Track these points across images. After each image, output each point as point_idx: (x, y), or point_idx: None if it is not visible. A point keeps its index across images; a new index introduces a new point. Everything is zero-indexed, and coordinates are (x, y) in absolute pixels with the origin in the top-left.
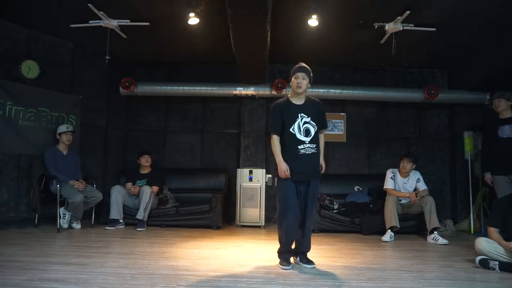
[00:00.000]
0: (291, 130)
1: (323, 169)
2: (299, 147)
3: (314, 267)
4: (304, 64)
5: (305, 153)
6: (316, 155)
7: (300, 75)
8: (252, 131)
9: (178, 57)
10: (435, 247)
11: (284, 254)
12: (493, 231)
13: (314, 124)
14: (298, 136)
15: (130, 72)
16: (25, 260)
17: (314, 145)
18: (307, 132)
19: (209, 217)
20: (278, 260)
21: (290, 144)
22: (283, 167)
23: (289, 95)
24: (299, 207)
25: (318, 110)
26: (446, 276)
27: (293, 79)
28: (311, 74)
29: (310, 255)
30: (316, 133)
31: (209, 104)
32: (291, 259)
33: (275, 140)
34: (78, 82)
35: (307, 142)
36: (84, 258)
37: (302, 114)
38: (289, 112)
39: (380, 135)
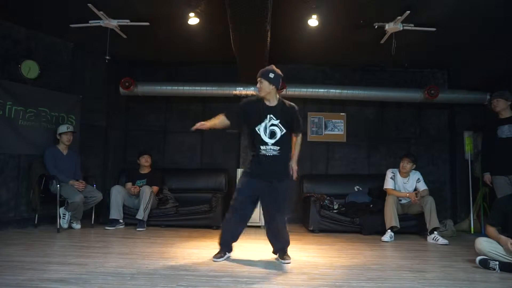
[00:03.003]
0: (256, 129)
1: (294, 172)
2: (261, 147)
3: (288, 262)
4: (268, 67)
5: (266, 154)
6: (277, 157)
7: (259, 79)
8: None
9: (178, 57)
10: (435, 247)
11: (220, 245)
12: (491, 229)
13: (281, 127)
14: (263, 136)
15: (130, 72)
16: (25, 260)
17: (278, 148)
18: (272, 134)
19: (209, 217)
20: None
21: (253, 143)
22: (200, 124)
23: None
24: (265, 209)
25: (289, 114)
26: (446, 276)
27: (258, 84)
28: (272, 75)
29: (310, 255)
30: (283, 137)
31: (209, 104)
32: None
33: (219, 116)
34: (78, 82)
35: (269, 144)
36: (84, 258)
37: (271, 116)
38: (258, 111)
39: (380, 135)
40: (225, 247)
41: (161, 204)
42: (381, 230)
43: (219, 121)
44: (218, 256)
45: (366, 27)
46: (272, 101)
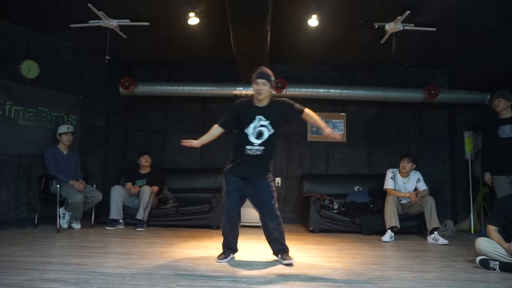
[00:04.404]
0: (245, 130)
1: (336, 135)
2: (247, 147)
3: (290, 263)
4: (265, 69)
5: (251, 154)
6: (260, 156)
7: (261, 81)
8: None
9: (178, 57)
10: (435, 247)
11: (224, 248)
12: (492, 229)
13: (270, 128)
14: (250, 137)
15: (130, 72)
16: (24, 260)
17: (263, 148)
18: (259, 135)
19: (209, 217)
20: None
21: (240, 143)
22: (189, 141)
23: (254, 98)
24: (257, 209)
25: (280, 110)
26: (446, 276)
27: (253, 85)
28: (273, 78)
29: (310, 255)
30: (270, 137)
31: (209, 104)
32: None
33: (213, 128)
34: (78, 82)
35: (255, 144)
36: (84, 258)
37: (260, 117)
38: (248, 113)
39: (380, 135)
40: (229, 249)
41: (161, 204)
42: (381, 230)
43: (210, 133)
44: (222, 257)
45: (366, 27)
46: (264, 102)
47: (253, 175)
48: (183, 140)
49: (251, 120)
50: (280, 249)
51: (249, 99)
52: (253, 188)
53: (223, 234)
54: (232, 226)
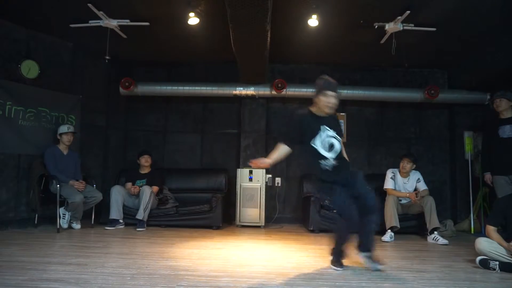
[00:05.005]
0: (312, 144)
1: None
2: (322, 161)
3: (379, 269)
4: (333, 80)
5: (328, 169)
6: (340, 166)
7: (331, 94)
8: (252, 131)
9: (178, 57)
10: (435, 247)
11: (336, 256)
12: (491, 229)
13: (337, 136)
14: (320, 150)
15: (130, 72)
16: (25, 260)
17: (338, 159)
18: (331, 147)
19: (209, 217)
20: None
21: (313, 158)
22: (259, 161)
23: (311, 109)
24: (357, 201)
25: (337, 122)
26: (446, 276)
27: (322, 97)
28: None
29: (310, 255)
30: (341, 146)
31: (209, 104)
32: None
33: (279, 147)
34: (78, 82)
35: (329, 158)
36: (84, 258)
37: (324, 126)
38: (313, 125)
39: (380, 135)
40: (339, 256)
41: (161, 204)
42: (381, 230)
43: (279, 151)
44: (338, 265)
45: (366, 27)
46: (323, 113)
47: (344, 178)
48: (252, 160)
49: (316, 131)
50: (373, 245)
51: (308, 111)
52: (349, 186)
53: (339, 244)
54: (348, 229)
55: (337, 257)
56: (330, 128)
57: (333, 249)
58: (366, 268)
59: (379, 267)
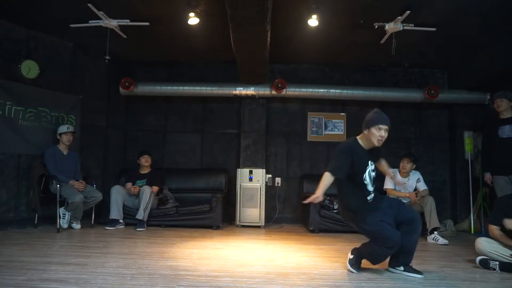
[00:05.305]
0: (363, 179)
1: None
2: (368, 197)
3: (418, 275)
4: (384, 114)
5: (370, 201)
6: (378, 195)
7: (384, 127)
8: (252, 131)
9: (178, 57)
10: (435, 247)
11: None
12: (494, 228)
13: (375, 169)
14: (369, 186)
15: (130, 72)
16: (24, 260)
17: (375, 192)
18: (374, 181)
19: (209, 217)
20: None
21: (357, 194)
22: (314, 197)
23: (359, 140)
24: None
25: (379, 151)
26: (446, 276)
27: (374, 130)
28: None
29: (310, 255)
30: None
31: (209, 104)
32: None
33: (326, 177)
34: (78, 82)
35: (372, 192)
36: (84, 258)
37: (370, 161)
38: (362, 158)
39: None
40: (360, 259)
41: (161, 204)
42: None
43: (325, 183)
44: (356, 267)
45: (366, 27)
46: (370, 146)
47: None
48: (308, 199)
49: (366, 166)
50: (409, 260)
51: (354, 141)
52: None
53: (371, 259)
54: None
55: (359, 260)
56: (373, 162)
57: (359, 253)
58: (366, 267)
59: (422, 275)
